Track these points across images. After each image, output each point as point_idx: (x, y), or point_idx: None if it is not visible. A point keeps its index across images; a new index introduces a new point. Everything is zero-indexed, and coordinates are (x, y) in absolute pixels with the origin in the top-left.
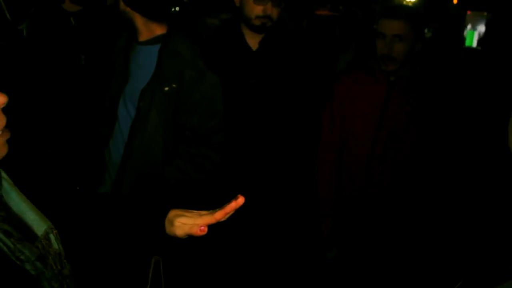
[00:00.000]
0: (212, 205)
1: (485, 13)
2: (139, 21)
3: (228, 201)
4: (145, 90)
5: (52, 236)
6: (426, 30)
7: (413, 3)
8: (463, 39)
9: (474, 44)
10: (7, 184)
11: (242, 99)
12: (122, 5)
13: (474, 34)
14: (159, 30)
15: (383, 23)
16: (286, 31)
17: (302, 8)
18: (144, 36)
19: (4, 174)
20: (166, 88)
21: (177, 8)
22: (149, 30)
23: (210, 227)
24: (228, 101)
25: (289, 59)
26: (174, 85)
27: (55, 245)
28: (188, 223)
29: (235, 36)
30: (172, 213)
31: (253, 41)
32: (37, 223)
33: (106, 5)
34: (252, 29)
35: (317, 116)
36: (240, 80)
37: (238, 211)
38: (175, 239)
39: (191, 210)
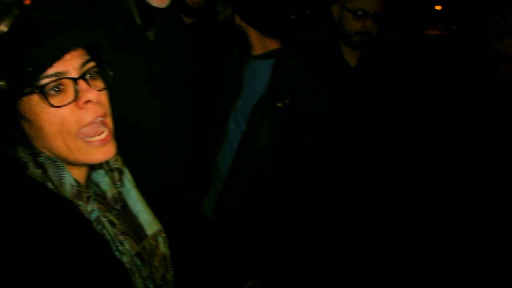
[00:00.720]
0: None
1: None
2: (253, 35)
3: None
4: (257, 105)
5: (160, 239)
6: None
7: None
8: None
9: None
10: (129, 184)
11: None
12: (237, 19)
13: None
14: (273, 45)
15: (508, 43)
16: (390, 50)
17: (412, 27)
18: (258, 50)
19: (128, 175)
20: (279, 104)
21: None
22: (263, 44)
23: None
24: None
25: (391, 79)
26: (287, 101)
27: (162, 248)
28: None
29: (332, 52)
30: None
31: (351, 57)
32: (149, 223)
33: (218, 19)
34: (350, 45)
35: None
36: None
37: None
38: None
39: None
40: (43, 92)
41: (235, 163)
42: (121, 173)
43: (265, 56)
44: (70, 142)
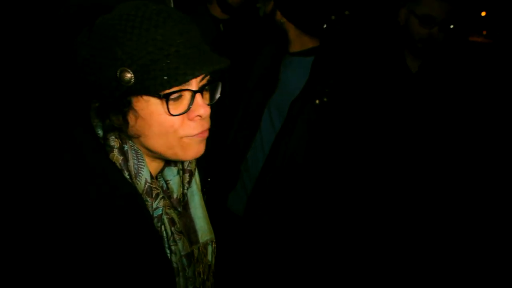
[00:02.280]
0: None
1: None
2: (292, 32)
3: None
4: (295, 101)
5: (210, 248)
6: None
7: None
8: None
9: None
10: (195, 187)
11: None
12: (278, 15)
13: None
14: (311, 43)
15: None
16: (450, 56)
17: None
18: (296, 47)
19: (197, 177)
20: (317, 101)
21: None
22: (302, 42)
23: None
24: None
25: (450, 86)
26: (325, 99)
27: (210, 256)
28: None
29: (394, 56)
30: None
31: (413, 63)
32: (204, 231)
33: (255, 15)
34: (413, 51)
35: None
36: (397, 103)
37: None
38: None
39: None
40: (166, 100)
41: (269, 159)
42: (191, 175)
43: (303, 53)
44: (174, 142)
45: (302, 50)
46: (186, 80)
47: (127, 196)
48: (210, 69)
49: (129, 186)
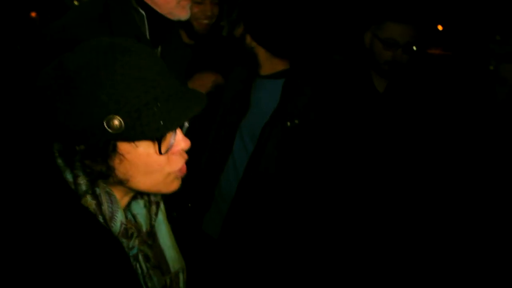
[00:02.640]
0: None
1: None
2: (263, 55)
3: None
4: (267, 125)
5: (181, 276)
6: None
7: None
8: None
9: None
10: (161, 216)
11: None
12: (248, 39)
13: None
14: (281, 65)
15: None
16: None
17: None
18: (266, 70)
19: (162, 207)
20: (288, 124)
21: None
22: (272, 65)
23: None
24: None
25: (421, 106)
26: (296, 121)
27: (181, 284)
28: None
29: (362, 77)
30: None
31: (380, 83)
32: (174, 260)
33: (222, 39)
34: (379, 73)
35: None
36: (365, 121)
37: None
38: None
39: None
40: (159, 142)
41: (243, 182)
42: (158, 206)
43: (274, 76)
44: (161, 179)
45: (272, 73)
46: (182, 123)
47: (102, 240)
48: (200, 109)
49: (104, 230)
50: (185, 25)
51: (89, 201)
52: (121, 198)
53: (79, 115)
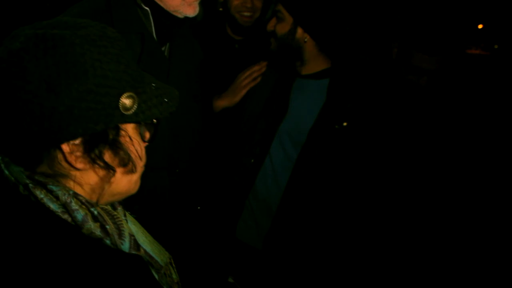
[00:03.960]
0: None
1: None
2: (310, 51)
3: None
4: (314, 128)
5: (171, 267)
6: None
7: None
8: None
9: None
10: (129, 218)
11: None
12: (300, 33)
13: None
14: (325, 64)
15: None
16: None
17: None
18: (310, 69)
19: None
20: (337, 126)
21: None
22: (317, 63)
23: None
24: None
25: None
26: (345, 124)
27: (174, 275)
28: None
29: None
30: None
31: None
32: (159, 253)
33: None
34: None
35: None
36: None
37: None
38: None
39: None
40: (156, 125)
41: (289, 189)
42: (123, 208)
43: (318, 75)
44: (138, 175)
45: (315, 72)
46: (178, 103)
47: (130, 265)
48: (176, 105)
49: (115, 252)
50: (230, 19)
51: (93, 226)
52: None
53: (94, 96)
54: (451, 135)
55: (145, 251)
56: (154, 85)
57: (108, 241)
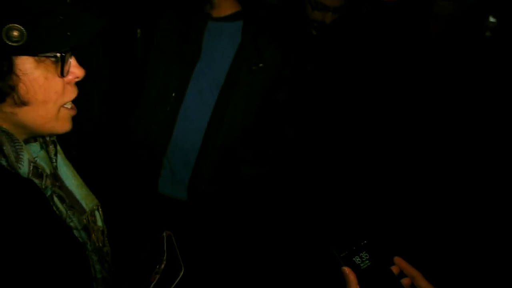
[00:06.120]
0: None
1: None
2: None
3: None
4: (232, 68)
5: (97, 213)
6: None
7: None
8: None
9: None
10: (60, 157)
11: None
12: None
13: None
14: (236, 7)
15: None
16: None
17: None
18: (221, 12)
19: (59, 148)
20: (254, 68)
21: None
22: (227, 5)
23: None
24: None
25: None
26: (261, 64)
27: (99, 222)
28: None
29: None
30: None
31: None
32: (86, 198)
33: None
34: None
35: None
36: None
37: None
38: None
39: None
40: (63, 60)
41: (208, 135)
42: (55, 146)
43: (230, 17)
44: (54, 113)
45: (228, 14)
46: (89, 37)
47: (16, 185)
48: (101, 26)
49: (10, 174)
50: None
51: None
52: None
53: None
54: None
55: (68, 191)
56: (62, 17)
57: (3, 162)
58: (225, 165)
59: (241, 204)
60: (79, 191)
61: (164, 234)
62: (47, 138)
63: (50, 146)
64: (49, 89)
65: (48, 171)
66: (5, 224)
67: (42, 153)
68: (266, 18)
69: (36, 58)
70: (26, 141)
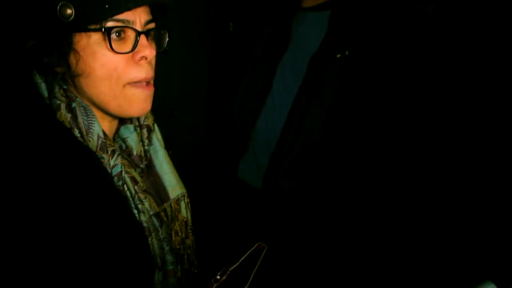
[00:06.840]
0: None
1: None
2: None
3: None
4: (314, 58)
5: (183, 203)
6: None
7: None
8: None
9: None
10: (158, 144)
11: None
12: None
13: None
14: None
15: None
16: None
17: None
18: (310, 1)
19: (158, 134)
20: (338, 56)
21: None
22: None
23: None
24: None
25: None
26: (346, 53)
27: (184, 212)
28: None
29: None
30: None
31: None
32: (173, 186)
33: None
34: None
35: None
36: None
37: None
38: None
39: None
40: (108, 33)
41: (287, 126)
42: (150, 131)
43: (318, 7)
44: (118, 90)
45: (317, 4)
46: (129, 8)
47: (80, 155)
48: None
49: (80, 145)
50: None
51: (64, 114)
52: (102, 120)
53: (32, 6)
54: (457, 65)
55: (156, 175)
56: None
57: (77, 132)
58: (305, 160)
59: (320, 206)
60: (168, 178)
61: (254, 245)
62: (142, 121)
63: (144, 130)
64: (107, 65)
65: (135, 152)
66: (57, 192)
67: (134, 135)
68: (357, 7)
69: (87, 33)
70: (123, 122)
